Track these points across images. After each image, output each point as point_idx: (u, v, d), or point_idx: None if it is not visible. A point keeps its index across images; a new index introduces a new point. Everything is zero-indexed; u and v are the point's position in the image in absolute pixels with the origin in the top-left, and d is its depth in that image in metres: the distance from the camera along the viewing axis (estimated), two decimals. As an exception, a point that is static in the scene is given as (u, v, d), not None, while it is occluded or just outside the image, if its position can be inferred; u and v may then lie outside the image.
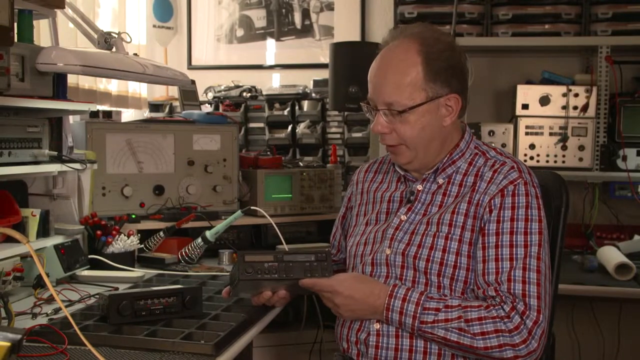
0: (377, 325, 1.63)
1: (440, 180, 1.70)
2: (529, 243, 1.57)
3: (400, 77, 1.62)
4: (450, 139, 1.71)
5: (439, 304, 1.56)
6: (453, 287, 1.61)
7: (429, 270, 1.62)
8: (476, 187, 1.65)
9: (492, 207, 1.60)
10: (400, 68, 1.62)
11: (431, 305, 1.56)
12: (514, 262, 1.55)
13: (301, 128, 3.66)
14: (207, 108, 3.67)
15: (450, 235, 1.62)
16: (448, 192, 1.69)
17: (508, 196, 1.60)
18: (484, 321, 1.52)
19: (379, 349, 1.62)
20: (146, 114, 3.73)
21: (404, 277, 1.65)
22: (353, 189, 1.93)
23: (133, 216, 2.51)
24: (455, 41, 1.72)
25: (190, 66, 4.03)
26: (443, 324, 1.53)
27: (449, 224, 1.63)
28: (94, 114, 2.56)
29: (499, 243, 1.58)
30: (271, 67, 3.97)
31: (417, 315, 1.55)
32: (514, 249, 1.57)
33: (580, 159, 3.10)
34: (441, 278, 1.61)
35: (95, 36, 2.33)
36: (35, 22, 2.15)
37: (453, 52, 1.66)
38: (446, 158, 1.70)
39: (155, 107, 3.79)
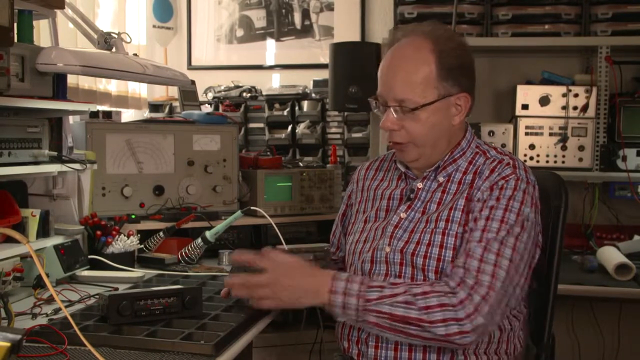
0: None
1: (441, 179, 1.71)
2: (500, 229, 1.55)
3: (412, 74, 1.62)
4: (455, 138, 1.72)
5: (384, 283, 1.55)
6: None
7: (426, 267, 1.62)
8: (474, 184, 1.65)
9: (480, 200, 1.61)
10: (413, 65, 1.62)
11: (375, 283, 1.54)
12: (480, 242, 1.55)
13: (301, 128, 3.66)
14: (207, 108, 3.68)
15: (447, 231, 1.62)
16: (447, 190, 1.69)
17: (496, 190, 1.61)
18: (428, 295, 1.49)
19: (378, 348, 1.62)
20: (146, 114, 3.73)
21: (402, 275, 1.65)
22: (353, 186, 1.93)
23: (133, 216, 2.51)
24: (464, 40, 1.72)
25: (190, 66, 4.04)
26: (389, 299, 1.50)
27: (446, 219, 1.63)
28: (94, 114, 2.56)
29: (474, 227, 1.58)
30: (271, 68, 3.97)
31: (361, 293, 1.52)
32: (485, 232, 1.56)
33: (580, 159, 3.10)
34: (439, 275, 1.61)
35: (95, 36, 2.33)
36: (35, 23, 2.15)
37: (464, 51, 1.67)
38: (447, 156, 1.70)
39: (155, 107, 3.79)
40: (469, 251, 1.54)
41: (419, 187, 1.72)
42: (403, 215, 1.71)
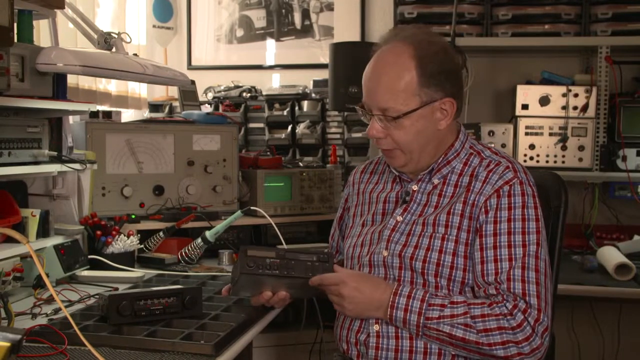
0: (376, 327, 1.62)
1: (436, 181, 1.70)
2: (527, 242, 1.57)
3: (394, 82, 1.61)
4: (445, 141, 1.71)
5: (444, 300, 1.56)
6: (451, 288, 1.61)
7: (425, 271, 1.62)
8: (471, 187, 1.64)
9: (488, 208, 1.60)
10: (394, 73, 1.61)
11: (436, 301, 1.56)
12: (513, 261, 1.55)
13: (301, 128, 3.66)
14: (207, 108, 3.67)
15: (446, 236, 1.62)
16: (443, 193, 1.68)
17: (504, 197, 1.60)
18: (487, 318, 1.52)
19: (379, 350, 1.62)
20: (146, 114, 3.73)
21: (401, 278, 1.65)
22: (349, 190, 1.92)
23: (133, 216, 2.51)
24: (447, 43, 1.71)
25: (190, 66, 4.03)
26: (449, 319, 1.53)
27: (445, 224, 1.63)
28: (94, 114, 2.57)
29: (497, 244, 1.58)
30: (271, 67, 3.97)
31: (423, 311, 1.55)
32: (512, 249, 1.57)
33: (580, 159, 3.10)
34: (438, 279, 1.61)
35: (95, 36, 2.33)
36: (35, 23, 2.15)
37: (446, 54, 1.65)
38: (441, 158, 1.70)
39: (155, 107, 3.79)
40: (511, 276, 1.54)
41: (414, 189, 1.72)
42: (399, 218, 1.70)
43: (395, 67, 1.61)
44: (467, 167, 1.69)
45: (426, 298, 1.56)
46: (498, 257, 1.57)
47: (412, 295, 1.57)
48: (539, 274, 1.55)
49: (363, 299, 1.60)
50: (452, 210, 1.64)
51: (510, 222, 1.58)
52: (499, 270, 1.56)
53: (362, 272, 1.71)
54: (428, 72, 1.61)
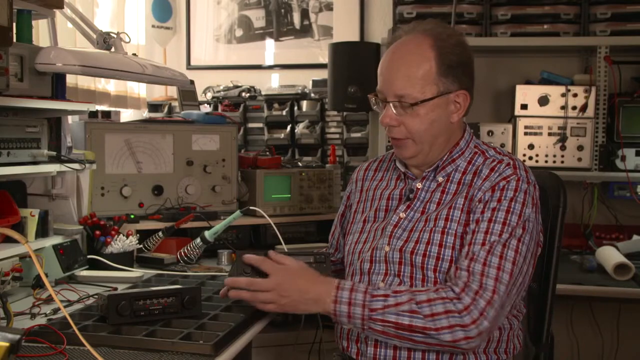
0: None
1: (440, 179, 1.71)
2: (503, 232, 1.56)
3: (413, 70, 1.63)
4: (454, 137, 1.72)
5: (387, 291, 1.55)
6: (449, 283, 1.61)
7: (425, 266, 1.62)
8: (473, 184, 1.65)
9: (482, 201, 1.61)
10: (413, 61, 1.63)
11: (379, 292, 1.54)
12: (484, 245, 1.55)
13: (300, 128, 3.66)
14: (206, 108, 3.67)
15: (446, 230, 1.62)
16: (447, 190, 1.69)
17: (497, 190, 1.61)
18: (433, 302, 1.50)
19: (378, 347, 1.62)
20: (145, 114, 3.73)
21: (401, 274, 1.65)
22: (352, 187, 1.93)
23: (132, 216, 2.50)
24: (465, 38, 1.73)
25: (189, 66, 4.03)
26: (394, 308, 1.51)
27: (445, 218, 1.64)
28: (93, 114, 2.57)
29: (476, 229, 1.58)
30: (270, 67, 3.97)
31: (366, 303, 1.52)
32: (488, 235, 1.56)
33: (579, 159, 3.10)
34: (437, 274, 1.61)
35: (94, 36, 2.33)
36: (34, 22, 2.15)
37: (464, 48, 1.68)
38: (446, 156, 1.71)
39: (154, 107, 3.79)
40: (473, 254, 1.54)
41: (418, 187, 1.73)
42: (402, 215, 1.71)
43: (414, 56, 1.64)
44: (470, 166, 1.70)
45: (368, 290, 1.54)
46: (473, 240, 1.57)
47: (354, 288, 1.55)
48: (503, 262, 1.52)
49: (297, 291, 1.56)
50: (454, 205, 1.65)
51: (494, 211, 1.58)
52: (469, 252, 1.55)
53: (298, 265, 1.64)
54: (447, 62, 1.63)
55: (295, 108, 3.71)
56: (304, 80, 3.79)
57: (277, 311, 1.64)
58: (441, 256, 1.61)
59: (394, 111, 1.66)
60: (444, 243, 1.62)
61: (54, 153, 2.13)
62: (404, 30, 1.71)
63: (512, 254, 1.54)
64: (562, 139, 3.10)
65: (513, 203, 1.59)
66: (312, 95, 3.72)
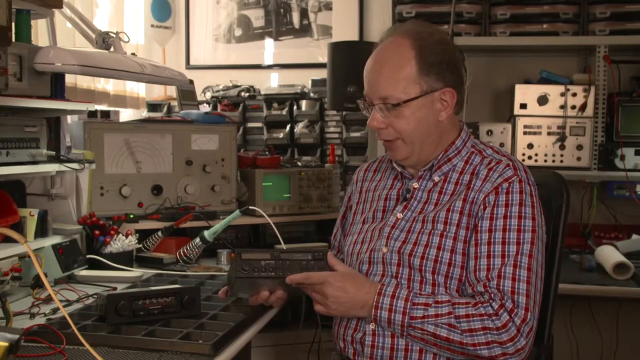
0: (372, 326, 1.62)
1: (436, 178, 1.71)
2: (521, 240, 1.57)
3: (394, 71, 1.63)
4: (446, 136, 1.71)
5: (428, 299, 1.56)
6: (448, 285, 1.61)
7: (423, 268, 1.62)
8: (471, 185, 1.65)
9: (486, 205, 1.61)
10: (394, 62, 1.64)
11: (420, 300, 1.56)
12: (506, 259, 1.55)
13: (299, 128, 3.66)
14: (205, 108, 3.67)
15: (445, 233, 1.62)
16: (444, 190, 1.69)
17: (502, 194, 1.60)
18: (471, 318, 1.51)
19: (374, 348, 1.62)
20: (144, 113, 3.72)
21: (399, 275, 1.65)
22: (353, 187, 1.93)
23: (131, 216, 2.50)
24: (447, 36, 1.73)
25: (188, 66, 4.03)
26: (433, 319, 1.53)
27: (444, 221, 1.63)
28: (92, 114, 2.56)
29: (492, 240, 1.58)
30: (269, 67, 3.97)
31: (407, 310, 1.55)
32: (506, 246, 1.56)
33: (579, 159, 3.10)
34: (436, 276, 1.61)
35: (93, 36, 2.33)
36: (33, 22, 2.15)
37: (446, 46, 1.68)
38: (441, 155, 1.70)
39: (153, 106, 3.79)
40: (502, 273, 1.54)
41: (415, 187, 1.72)
42: (400, 215, 1.71)
43: (395, 58, 1.64)
44: (468, 166, 1.69)
45: (410, 297, 1.56)
46: (491, 253, 1.57)
47: (396, 294, 1.57)
48: (529, 273, 1.54)
49: (347, 298, 1.60)
50: (451, 207, 1.64)
51: (506, 219, 1.58)
52: (491, 267, 1.56)
53: (347, 271, 1.68)
54: (428, 61, 1.63)
55: (295, 108, 3.70)
56: (303, 79, 3.79)
57: (324, 314, 1.66)
58: (439, 259, 1.61)
59: (380, 113, 1.67)
60: (442, 246, 1.62)
61: (53, 153, 2.13)
62: (385, 34, 1.73)
63: (534, 263, 1.56)
64: (562, 139, 3.10)
65: (523, 207, 1.59)
66: (312, 94, 3.72)
